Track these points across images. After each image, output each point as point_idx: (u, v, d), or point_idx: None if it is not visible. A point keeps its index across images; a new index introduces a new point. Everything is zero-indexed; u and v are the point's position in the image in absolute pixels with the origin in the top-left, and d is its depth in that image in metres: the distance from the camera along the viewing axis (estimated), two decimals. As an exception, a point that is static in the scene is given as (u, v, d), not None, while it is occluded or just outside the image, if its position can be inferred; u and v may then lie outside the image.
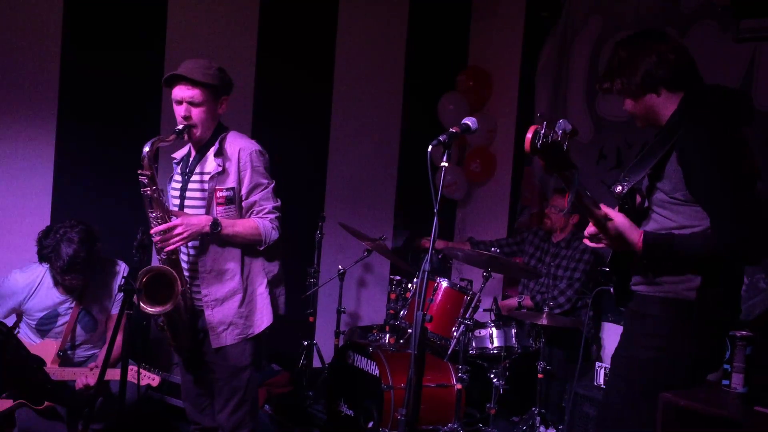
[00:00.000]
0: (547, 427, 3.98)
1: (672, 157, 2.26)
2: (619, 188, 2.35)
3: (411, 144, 5.59)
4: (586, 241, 2.42)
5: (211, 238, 2.82)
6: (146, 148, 2.69)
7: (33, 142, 4.29)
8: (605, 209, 2.29)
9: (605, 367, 3.63)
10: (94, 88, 4.41)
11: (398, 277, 4.22)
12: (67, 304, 3.46)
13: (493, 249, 3.99)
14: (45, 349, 3.39)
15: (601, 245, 2.38)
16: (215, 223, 2.76)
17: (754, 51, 3.86)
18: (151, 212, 2.76)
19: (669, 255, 2.24)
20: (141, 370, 3.21)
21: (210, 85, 2.83)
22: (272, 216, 2.89)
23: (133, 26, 4.50)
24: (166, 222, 2.74)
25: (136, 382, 3.18)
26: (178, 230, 2.73)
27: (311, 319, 4.76)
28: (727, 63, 3.97)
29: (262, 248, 2.87)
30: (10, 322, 3.54)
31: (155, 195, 2.74)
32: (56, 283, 3.42)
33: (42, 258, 3.34)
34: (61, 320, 3.45)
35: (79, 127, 4.39)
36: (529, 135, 1.94)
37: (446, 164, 2.37)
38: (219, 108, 2.92)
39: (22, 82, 4.24)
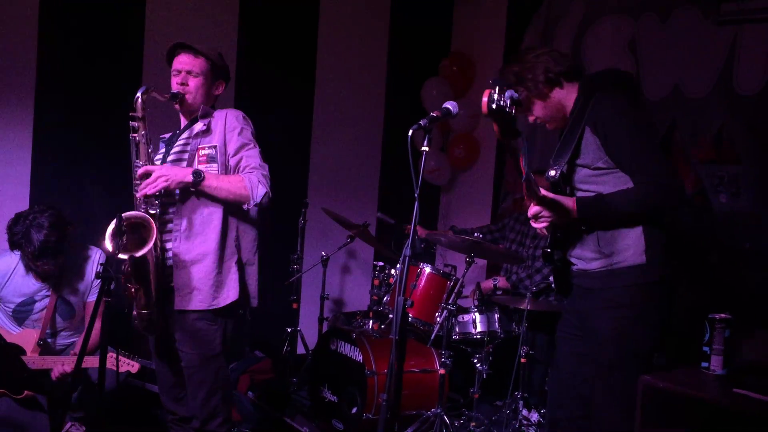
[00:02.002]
0: (530, 411, 4.00)
1: (585, 132, 2.42)
2: (552, 172, 2.51)
3: (394, 130, 5.57)
4: (533, 223, 2.53)
5: (194, 189, 2.77)
6: (139, 92, 2.72)
7: (10, 130, 4.23)
8: (542, 191, 2.43)
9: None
10: (72, 75, 4.35)
11: (381, 263, 4.21)
12: (43, 292, 3.42)
13: (476, 234, 3.99)
14: (25, 338, 3.36)
15: (543, 224, 2.51)
16: (197, 173, 2.73)
17: (735, 35, 3.86)
18: (136, 161, 2.76)
19: (600, 211, 2.41)
20: (120, 357, 3.18)
21: (211, 60, 2.89)
22: (259, 172, 2.82)
23: (112, 14, 4.44)
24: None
25: (115, 369, 3.16)
26: (158, 173, 2.70)
27: (295, 305, 4.76)
28: (708, 48, 3.98)
29: (250, 206, 2.80)
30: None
31: (143, 141, 2.74)
32: (29, 270, 3.38)
33: (13, 245, 3.31)
34: (38, 307, 3.41)
35: (57, 114, 4.33)
36: (484, 98, 2.07)
37: (427, 149, 2.36)
38: (215, 89, 2.96)
39: (-1, 69, 4.18)
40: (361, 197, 5.52)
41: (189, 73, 2.86)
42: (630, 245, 2.42)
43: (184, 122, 2.99)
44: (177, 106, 2.92)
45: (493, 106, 2.07)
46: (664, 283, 2.42)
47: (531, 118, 2.62)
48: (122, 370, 3.22)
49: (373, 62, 5.54)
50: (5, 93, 4.21)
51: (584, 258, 2.54)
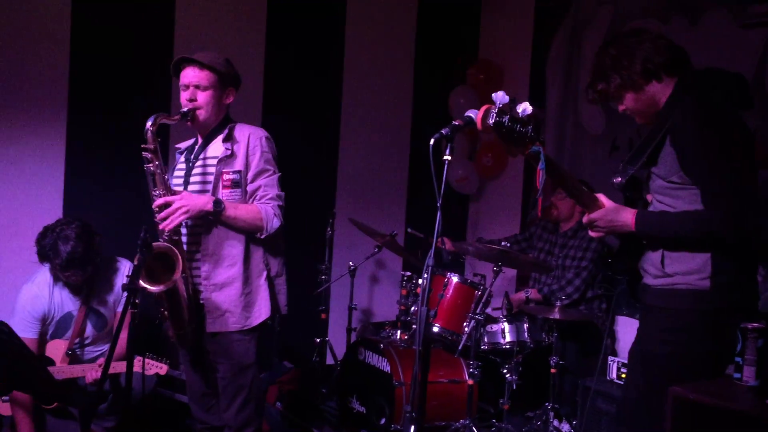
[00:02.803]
0: (560, 421, 3.94)
1: (666, 141, 2.26)
2: (618, 179, 2.38)
3: (422, 139, 5.54)
4: (590, 232, 2.42)
5: (213, 218, 2.78)
6: (149, 123, 2.70)
7: (44, 143, 4.31)
8: (600, 197, 2.31)
9: (618, 362, 3.58)
10: (104, 86, 4.42)
11: (409, 273, 4.20)
12: (78, 305, 3.48)
13: (503, 243, 3.95)
14: (54, 348, 3.41)
15: (600, 234, 2.39)
16: (217, 202, 2.74)
17: (767, 38, 3.78)
18: (154, 191, 2.75)
19: (661, 230, 2.26)
20: (147, 359, 3.22)
21: (217, 71, 2.85)
22: (275, 203, 2.84)
23: (142, 23, 4.51)
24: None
25: (143, 372, 3.22)
26: (177, 204, 2.69)
27: (323, 316, 4.76)
28: (740, 51, 3.88)
29: (263, 236, 2.82)
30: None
31: (158, 171, 2.72)
32: (57, 280, 3.43)
33: (42, 257, 3.37)
34: (74, 320, 3.47)
35: (89, 126, 4.40)
36: (480, 114, 2.05)
37: (449, 158, 2.33)
38: (226, 98, 2.93)
39: (31, 82, 4.26)
40: (388, 207, 5.51)
41: (197, 87, 2.84)
42: (695, 269, 2.26)
43: (200, 137, 2.98)
44: (190, 124, 2.89)
45: (490, 122, 2.03)
46: (727, 313, 2.25)
47: (621, 108, 2.42)
48: (151, 372, 3.27)
49: (400, 70, 5.54)
50: (38, 105, 4.29)
51: (649, 273, 2.40)
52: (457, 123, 2.35)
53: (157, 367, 3.29)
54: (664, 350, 2.31)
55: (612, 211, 2.32)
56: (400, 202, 5.60)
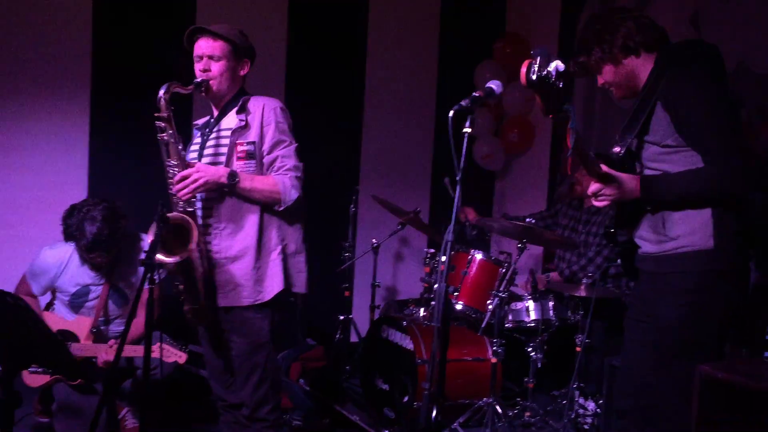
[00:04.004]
0: (586, 400, 3.88)
1: (657, 108, 2.28)
2: (617, 149, 2.39)
3: (447, 115, 5.45)
4: (594, 201, 2.41)
5: (228, 190, 2.74)
6: (161, 91, 2.66)
7: (68, 119, 4.34)
8: (604, 167, 2.29)
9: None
10: (126, 62, 4.42)
11: (432, 251, 4.15)
12: (97, 281, 3.49)
13: (527, 220, 3.88)
14: (79, 325, 3.43)
15: (606, 202, 2.39)
16: (232, 174, 2.69)
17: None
18: (168, 161, 2.71)
19: (666, 191, 2.30)
20: (165, 345, 3.21)
21: (231, 41, 2.80)
22: (293, 174, 2.78)
23: (165, 4, 4.48)
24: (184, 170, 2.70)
25: (161, 358, 3.20)
26: (194, 176, 2.66)
27: (347, 293, 4.74)
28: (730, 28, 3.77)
29: (281, 208, 2.76)
30: (46, 299, 3.61)
31: (172, 140, 2.69)
32: (84, 261, 3.45)
33: (68, 237, 3.39)
34: (93, 296, 3.48)
35: (112, 101, 4.42)
36: (523, 69, 1.99)
37: (469, 130, 2.28)
38: (240, 69, 2.87)
39: (55, 60, 4.27)
40: (413, 183, 5.46)
41: (210, 57, 2.79)
42: (697, 229, 2.28)
43: (215, 110, 2.94)
44: (204, 95, 2.84)
45: (533, 77, 1.98)
46: (734, 272, 2.28)
47: (600, 81, 2.49)
48: (170, 360, 3.24)
49: (425, 45, 5.46)
50: (62, 83, 4.32)
51: (649, 240, 2.41)
52: (477, 94, 2.30)
53: (176, 356, 3.25)
54: (677, 313, 2.31)
55: (618, 180, 2.31)
56: (425, 179, 5.54)
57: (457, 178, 2.25)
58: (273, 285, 2.81)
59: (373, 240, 4.62)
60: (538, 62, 1.96)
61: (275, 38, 4.86)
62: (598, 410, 3.76)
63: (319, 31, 5.02)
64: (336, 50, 5.09)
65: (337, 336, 4.67)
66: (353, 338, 4.82)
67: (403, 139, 5.41)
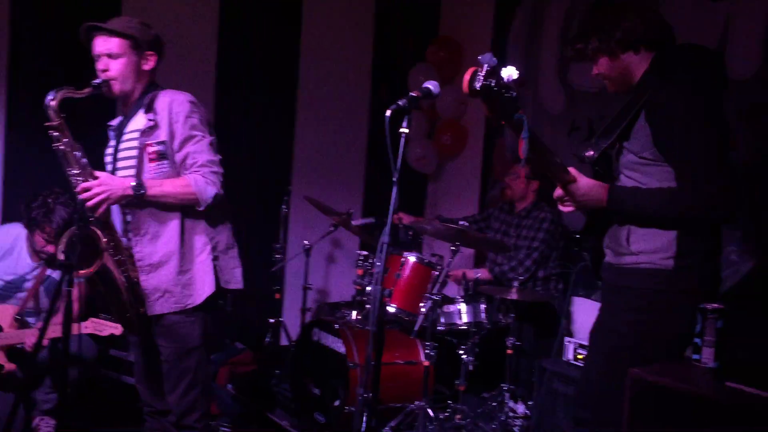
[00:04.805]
0: (516, 402, 3.90)
1: (641, 116, 2.21)
2: (590, 152, 2.32)
3: (380, 117, 5.43)
4: (559, 206, 2.37)
5: (137, 201, 2.60)
6: (48, 98, 2.49)
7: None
8: (572, 171, 2.23)
9: (575, 343, 3.55)
10: (45, 54, 4.21)
11: (365, 253, 4.10)
12: (35, 272, 3.37)
13: (461, 223, 3.88)
14: (1, 313, 3.28)
15: (570, 208, 2.34)
16: (138, 185, 2.55)
17: (727, 15, 3.74)
18: (69, 170, 2.55)
19: (633, 206, 2.22)
20: (98, 320, 3.10)
21: (128, 36, 2.64)
22: (207, 170, 2.63)
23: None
24: (87, 180, 2.54)
25: (97, 333, 3.16)
26: (96, 189, 2.50)
27: (277, 296, 4.65)
28: (701, 29, 3.84)
29: (201, 208, 2.63)
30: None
31: (68, 148, 2.52)
32: (32, 251, 3.32)
33: (30, 222, 3.29)
34: (27, 286, 3.38)
35: (30, 95, 4.18)
36: (466, 76, 1.89)
37: (406, 130, 2.25)
38: (144, 63, 2.71)
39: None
40: (346, 185, 5.41)
41: (109, 56, 2.63)
42: (660, 248, 2.22)
43: (124, 111, 2.78)
44: (107, 96, 2.68)
45: (476, 85, 1.88)
46: (691, 294, 2.21)
47: (594, 71, 2.39)
48: (104, 334, 3.16)
49: (359, 46, 5.42)
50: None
51: (612, 250, 2.37)
52: (414, 94, 2.28)
53: (111, 328, 3.17)
54: (627, 330, 2.27)
55: (585, 186, 2.25)
56: (358, 181, 5.50)
57: (394, 179, 2.21)
58: (203, 288, 2.70)
59: (305, 241, 4.54)
60: (484, 70, 1.87)
61: (205, 34, 4.73)
62: (527, 412, 3.79)
63: (252, 30, 4.91)
64: (269, 49, 4.99)
65: (267, 339, 4.57)
66: (283, 342, 4.73)
67: (337, 140, 5.35)
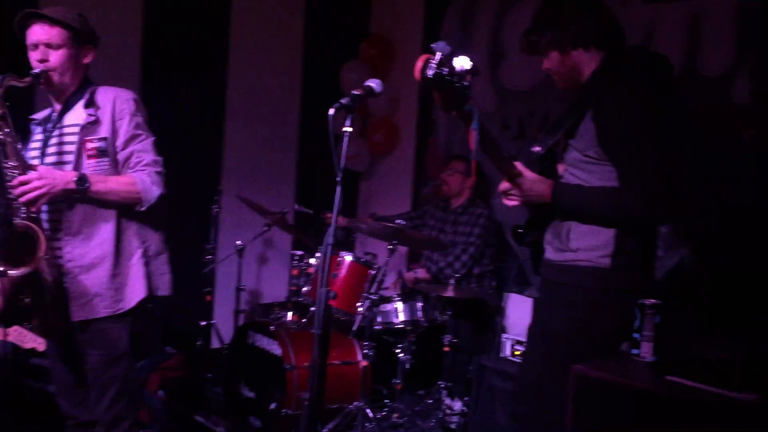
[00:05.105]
0: (453, 399, 3.93)
1: (587, 115, 2.23)
2: (537, 148, 2.34)
3: (312, 115, 5.40)
4: (503, 200, 2.38)
5: (79, 196, 2.48)
6: None
7: None
8: (518, 165, 2.25)
9: (512, 339, 3.60)
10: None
11: (300, 252, 4.04)
12: None
13: (397, 221, 3.87)
14: None
15: (515, 202, 2.35)
16: (81, 179, 2.42)
17: (652, 18, 3.85)
18: (6, 162, 2.40)
19: (575, 203, 2.25)
20: (22, 330, 2.92)
21: (70, 27, 2.53)
22: (152, 170, 2.56)
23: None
24: (25, 173, 2.40)
25: (18, 344, 2.97)
26: (35, 183, 2.36)
27: (208, 298, 4.53)
28: (627, 29, 3.93)
29: (143, 208, 2.54)
30: None
31: (9, 139, 2.39)
32: None
33: None
34: None
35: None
36: (419, 63, 1.85)
37: (350, 129, 2.22)
38: (83, 57, 2.61)
39: None
40: (278, 184, 5.33)
41: (48, 45, 2.51)
42: (598, 246, 2.25)
43: (56, 104, 2.65)
44: (42, 88, 2.56)
45: (429, 73, 1.85)
46: (626, 293, 2.24)
47: (545, 65, 2.39)
48: (27, 346, 2.96)
49: (289, 43, 5.34)
50: None
51: (552, 246, 2.39)
52: (357, 93, 2.25)
53: (34, 341, 2.96)
54: (566, 327, 2.30)
55: (530, 181, 2.27)
56: (291, 179, 5.43)
57: (337, 179, 2.18)
58: (135, 292, 2.60)
59: (238, 242, 4.44)
60: (437, 58, 1.83)
61: (129, 27, 4.55)
62: (464, 409, 3.82)
63: (179, 24, 4.76)
64: (196, 44, 4.84)
65: (198, 343, 4.45)
66: (215, 345, 4.62)
67: (268, 138, 5.26)
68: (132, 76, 4.53)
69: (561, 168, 2.40)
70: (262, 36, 5.16)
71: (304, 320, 4.04)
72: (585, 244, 2.28)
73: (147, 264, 2.64)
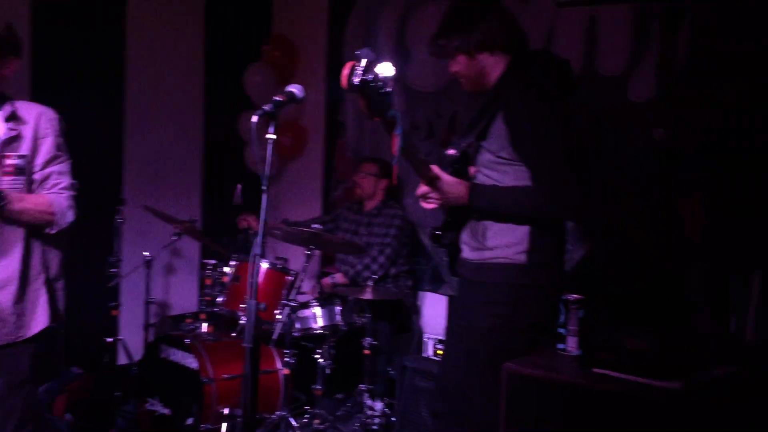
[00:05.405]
0: (374, 400, 3.93)
1: (498, 117, 2.31)
2: (451, 151, 2.41)
3: (216, 119, 5.26)
4: (421, 203, 2.41)
5: None
6: None
7: None
8: (434, 168, 2.29)
9: (434, 339, 3.64)
10: None
11: (213, 261, 3.92)
12: None
13: (313, 225, 3.83)
14: None
15: (433, 205, 2.40)
16: (1, 196, 2.31)
17: (552, 19, 3.97)
18: None
19: (491, 203, 2.32)
20: None
21: None
22: (68, 194, 2.50)
23: None
24: None
25: None
26: None
27: (114, 312, 4.32)
28: (526, 31, 4.03)
29: (53, 231, 2.45)
30: None
31: None
32: None
33: None
34: None
35: None
36: (345, 71, 1.88)
37: (274, 136, 2.19)
38: (3, 67, 2.48)
39: None
40: (184, 192, 5.15)
41: None
42: (513, 243, 2.33)
43: None
44: None
45: (355, 80, 1.86)
46: (543, 287, 2.35)
47: (451, 69, 2.46)
48: None
49: (189, 46, 5.17)
50: None
51: (469, 246, 2.44)
52: (279, 99, 2.24)
53: None
54: (488, 323, 2.35)
55: (447, 184, 2.32)
56: (195, 187, 5.26)
57: (263, 187, 2.13)
58: (39, 318, 2.47)
59: (146, 253, 4.26)
60: (362, 65, 1.86)
61: (17, 29, 4.27)
62: (386, 410, 3.82)
63: (70, 28, 4.51)
64: (90, 49, 4.60)
65: (104, 360, 4.24)
66: (123, 361, 4.42)
67: (172, 145, 5.07)
68: (21, 84, 4.27)
69: (472, 170, 2.47)
70: (161, 39, 4.98)
71: (221, 330, 3.92)
72: (501, 242, 2.35)
73: (50, 288, 2.52)
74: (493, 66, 2.40)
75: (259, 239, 2.10)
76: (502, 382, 2.11)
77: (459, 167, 2.45)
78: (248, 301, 2.04)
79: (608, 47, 3.78)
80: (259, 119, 2.12)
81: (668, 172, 3.28)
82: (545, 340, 2.37)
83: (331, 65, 5.19)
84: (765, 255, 3.11)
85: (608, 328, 2.51)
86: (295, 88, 2.25)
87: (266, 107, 2.15)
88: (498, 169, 2.35)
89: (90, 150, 4.51)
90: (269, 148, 2.17)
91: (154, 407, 3.73)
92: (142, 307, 4.39)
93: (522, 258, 2.32)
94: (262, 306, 2.05)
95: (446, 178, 2.32)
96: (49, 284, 2.53)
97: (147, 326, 4.29)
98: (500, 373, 2.10)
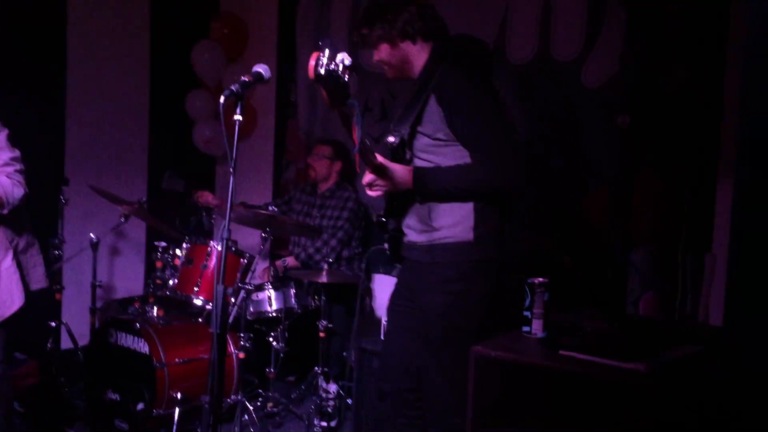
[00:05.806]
0: (328, 383, 3.93)
1: (430, 100, 2.37)
2: (391, 138, 2.46)
3: (163, 97, 5.12)
4: (368, 191, 2.46)
5: None
6: None
7: None
8: (379, 158, 2.34)
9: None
10: None
11: (164, 243, 3.82)
12: None
13: (270, 207, 3.78)
14: None
15: (377, 192, 2.45)
16: None
17: (508, 3, 3.99)
18: None
19: (435, 184, 2.39)
20: None
21: None
22: (11, 169, 2.45)
23: None
24: None
25: None
26: None
27: (58, 296, 4.19)
28: (481, 17, 4.05)
29: (5, 211, 2.41)
30: None
31: None
32: None
33: None
34: None
35: None
36: (311, 62, 1.91)
37: (240, 117, 2.15)
38: None
39: None
40: (129, 171, 5.01)
41: None
42: (459, 221, 2.40)
43: None
44: None
45: (321, 71, 1.90)
46: (492, 263, 2.44)
47: (375, 58, 2.51)
48: None
49: (134, 23, 5.01)
50: None
51: (415, 229, 2.49)
52: (246, 79, 2.21)
53: None
54: (443, 301, 2.41)
55: (391, 171, 2.36)
56: (141, 168, 5.12)
57: (231, 169, 2.10)
58: (12, 299, 2.40)
59: (92, 235, 4.12)
60: (326, 55, 1.89)
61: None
62: (341, 392, 3.82)
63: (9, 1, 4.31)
64: (30, 24, 4.41)
65: (49, 345, 4.10)
66: (67, 345, 4.28)
67: (116, 124, 4.92)
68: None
69: (408, 155, 2.52)
70: (104, 13, 4.81)
71: (171, 314, 3.84)
72: (447, 222, 2.42)
73: (19, 264, 2.43)
74: (417, 54, 2.47)
75: (227, 221, 2.06)
76: (470, 365, 2.13)
77: (399, 155, 2.50)
78: (216, 286, 1.99)
79: (563, 33, 3.83)
80: (225, 99, 2.06)
81: (630, 157, 3.36)
82: (499, 316, 2.45)
83: (282, 43, 5.10)
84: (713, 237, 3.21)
85: (568, 311, 2.56)
86: (261, 68, 2.21)
87: (233, 87, 2.11)
88: (436, 152, 2.42)
89: (28, 127, 4.32)
90: (236, 129, 2.12)
91: (103, 393, 3.64)
92: (86, 290, 4.26)
93: (469, 235, 2.40)
94: (230, 291, 2.00)
95: (392, 165, 2.37)
96: (18, 261, 2.50)
97: (93, 310, 4.16)
98: (459, 351, 2.14)
